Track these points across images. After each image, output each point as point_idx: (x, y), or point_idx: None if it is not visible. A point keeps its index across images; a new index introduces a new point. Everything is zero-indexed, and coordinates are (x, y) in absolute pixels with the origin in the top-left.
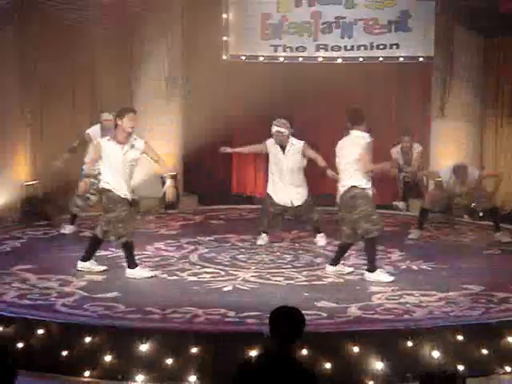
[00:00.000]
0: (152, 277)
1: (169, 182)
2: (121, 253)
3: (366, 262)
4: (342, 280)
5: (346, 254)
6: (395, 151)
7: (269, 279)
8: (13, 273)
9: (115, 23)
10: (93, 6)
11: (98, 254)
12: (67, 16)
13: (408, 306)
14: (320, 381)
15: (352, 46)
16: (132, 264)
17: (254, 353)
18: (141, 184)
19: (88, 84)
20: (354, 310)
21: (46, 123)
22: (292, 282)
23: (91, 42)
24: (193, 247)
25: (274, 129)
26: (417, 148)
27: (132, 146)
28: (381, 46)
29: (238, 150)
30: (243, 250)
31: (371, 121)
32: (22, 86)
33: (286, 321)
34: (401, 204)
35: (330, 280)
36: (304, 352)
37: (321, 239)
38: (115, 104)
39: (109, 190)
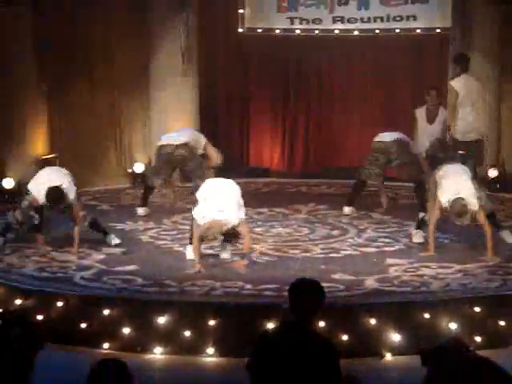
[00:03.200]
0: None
1: None
2: (138, 226)
3: (382, 234)
4: (358, 252)
5: (363, 227)
6: (419, 111)
7: (286, 252)
8: (32, 246)
9: None
10: None
11: (116, 228)
12: None
13: (425, 278)
14: (338, 352)
15: (368, 18)
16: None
17: (271, 325)
18: None
19: (104, 58)
20: (370, 282)
21: (62, 98)
22: (309, 254)
23: (107, 16)
24: None
25: None
26: (442, 113)
27: None
28: (397, 18)
29: None
30: (260, 222)
31: (388, 94)
32: (39, 61)
33: (307, 293)
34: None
35: (346, 252)
36: (321, 324)
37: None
38: (131, 78)
39: None
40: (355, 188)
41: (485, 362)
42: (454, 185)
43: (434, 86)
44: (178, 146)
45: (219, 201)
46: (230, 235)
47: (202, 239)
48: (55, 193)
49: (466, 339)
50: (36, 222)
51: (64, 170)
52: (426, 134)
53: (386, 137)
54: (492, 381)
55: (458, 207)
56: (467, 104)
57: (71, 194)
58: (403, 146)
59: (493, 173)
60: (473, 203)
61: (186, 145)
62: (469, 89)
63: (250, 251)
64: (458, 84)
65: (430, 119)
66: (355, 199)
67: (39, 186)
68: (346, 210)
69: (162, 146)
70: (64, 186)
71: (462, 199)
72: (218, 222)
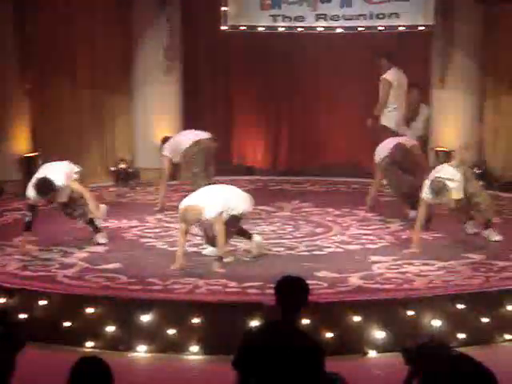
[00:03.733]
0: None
1: None
2: (122, 224)
3: (366, 232)
4: (342, 250)
5: (346, 224)
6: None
7: (269, 250)
8: (14, 244)
9: None
10: None
11: (100, 226)
12: None
13: (408, 275)
14: (323, 350)
15: (351, 16)
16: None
17: (255, 323)
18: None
19: (88, 56)
20: (354, 280)
21: (46, 95)
22: (292, 252)
23: (90, 14)
24: None
25: None
26: (424, 110)
27: None
28: (380, 16)
29: None
30: (243, 220)
31: (371, 90)
32: (22, 58)
33: (292, 290)
34: None
35: (330, 250)
36: (305, 321)
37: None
38: (114, 76)
39: None
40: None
41: (465, 360)
42: (435, 172)
43: (416, 84)
44: (212, 140)
45: (205, 192)
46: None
47: (186, 232)
48: (41, 183)
49: (449, 336)
50: (27, 219)
51: (59, 163)
52: (408, 131)
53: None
54: (473, 378)
55: (436, 184)
56: (401, 95)
57: (60, 181)
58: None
59: (476, 171)
60: (451, 185)
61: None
62: (400, 81)
63: (224, 253)
64: (392, 77)
65: (412, 117)
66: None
67: (30, 183)
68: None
69: (197, 142)
70: (50, 177)
71: (440, 178)
72: (193, 207)
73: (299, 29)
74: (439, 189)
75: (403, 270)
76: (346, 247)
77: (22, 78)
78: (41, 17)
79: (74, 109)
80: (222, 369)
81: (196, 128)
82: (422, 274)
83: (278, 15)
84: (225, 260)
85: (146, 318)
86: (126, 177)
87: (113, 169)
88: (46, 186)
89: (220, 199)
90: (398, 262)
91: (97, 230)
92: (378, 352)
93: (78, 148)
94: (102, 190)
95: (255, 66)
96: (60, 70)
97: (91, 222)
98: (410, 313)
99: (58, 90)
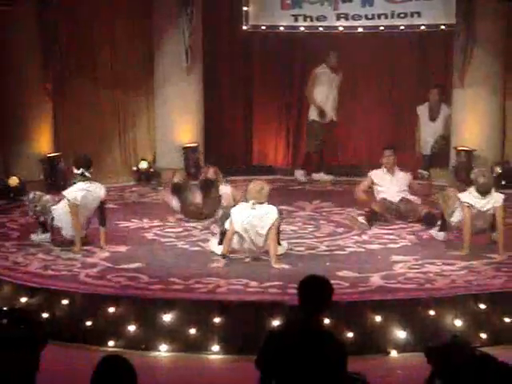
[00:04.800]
0: None
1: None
2: (143, 224)
3: (387, 232)
4: (363, 250)
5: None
6: (421, 108)
7: (291, 249)
8: (37, 244)
9: None
10: None
11: (121, 226)
12: None
13: (430, 275)
14: (346, 350)
15: (373, 15)
16: None
17: (276, 322)
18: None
19: (109, 56)
20: (375, 280)
21: (67, 96)
22: (314, 251)
23: (112, 14)
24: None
25: None
26: (444, 110)
27: None
28: (402, 15)
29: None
30: None
31: (393, 90)
32: (44, 58)
33: (316, 289)
34: (425, 173)
35: (351, 250)
36: (326, 321)
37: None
38: (135, 76)
39: None
40: None
41: (489, 360)
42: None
43: (437, 84)
44: None
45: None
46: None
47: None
48: None
49: (471, 336)
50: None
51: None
52: (428, 131)
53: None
54: (497, 378)
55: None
56: (333, 88)
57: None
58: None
59: (497, 170)
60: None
61: None
62: (330, 77)
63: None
64: (323, 70)
65: (433, 116)
66: None
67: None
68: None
69: None
70: None
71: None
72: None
73: (320, 28)
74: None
75: (425, 269)
76: (367, 247)
77: (45, 79)
78: (63, 18)
79: (96, 109)
80: (243, 368)
81: (216, 128)
82: (444, 273)
83: (299, 15)
84: (276, 266)
85: (167, 318)
86: (148, 177)
87: (134, 168)
88: None
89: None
90: (420, 262)
91: (44, 229)
92: (400, 352)
93: (99, 148)
94: (123, 190)
95: (276, 65)
96: (82, 70)
97: (43, 224)
98: (432, 313)
99: (79, 91)
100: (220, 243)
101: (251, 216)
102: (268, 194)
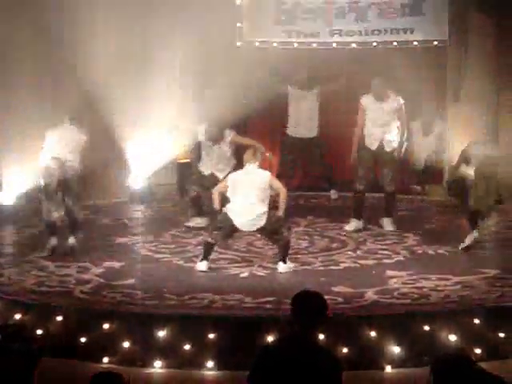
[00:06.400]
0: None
1: None
2: (137, 240)
3: (381, 247)
4: (357, 265)
5: (362, 239)
6: (415, 124)
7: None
8: (31, 260)
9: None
10: None
11: (115, 242)
12: None
13: (424, 290)
14: (342, 365)
15: (366, 31)
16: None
17: (271, 338)
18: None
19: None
20: (370, 295)
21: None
22: (308, 267)
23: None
24: None
25: None
26: (438, 125)
27: None
28: (395, 31)
29: None
30: (259, 235)
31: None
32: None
33: (309, 304)
34: (418, 188)
35: (346, 265)
36: (321, 336)
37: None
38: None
39: None
40: None
41: (488, 375)
42: None
43: (430, 100)
44: None
45: None
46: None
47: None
48: None
49: (465, 351)
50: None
51: None
52: (421, 146)
53: None
54: None
55: None
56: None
57: None
58: None
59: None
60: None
61: None
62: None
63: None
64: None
65: (426, 132)
66: None
67: None
68: None
69: None
70: None
71: None
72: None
73: (314, 44)
74: None
75: (419, 284)
76: (361, 262)
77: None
78: (57, 38)
79: (90, 126)
80: None
81: None
82: (438, 288)
83: (293, 31)
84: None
85: (161, 334)
86: (142, 193)
87: (128, 185)
88: None
89: None
90: (414, 277)
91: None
92: (394, 367)
93: (94, 164)
94: (117, 206)
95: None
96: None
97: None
98: (426, 328)
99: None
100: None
101: (244, 174)
102: (262, 157)
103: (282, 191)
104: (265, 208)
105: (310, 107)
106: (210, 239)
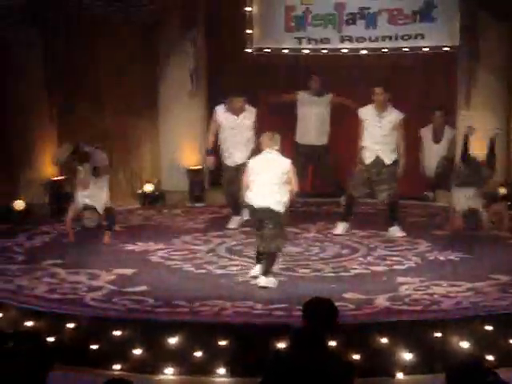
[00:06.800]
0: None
1: None
2: (148, 247)
3: (392, 253)
4: (368, 271)
5: (373, 246)
6: (425, 130)
7: (296, 271)
8: (42, 268)
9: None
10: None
11: (126, 249)
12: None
13: (436, 296)
14: (355, 371)
15: (376, 37)
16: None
17: (282, 345)
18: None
19: (113, 81)
20: (381, 301)
21: (71, 121)
22: (319, 273)
23: (117, 40)
24: (220, 240)
25: None
26: (448, 132)
27: None
28: (405, 37)
29: None
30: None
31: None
32: (49, 85)
33: (320, 311)
34: (431, 194)
35: (356, 271)
36: (332, 343)
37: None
38: (139, 100)
39: None
40: None
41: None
42: None
43: (441, 106)
44: None
45: None
46: None
47: None
48: None
49: (477, 358)
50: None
51: None
52: (432, 153)
53: None
54: None
55: None
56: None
57: None
58: None
59: (503, 191)
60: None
61: None
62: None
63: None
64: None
65: (436, 139)
66: None
67: None
68: None
69: None
70: None
71: None
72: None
73: (324, 51)
74: None
75: (430, 291)
76: (372, 268)
77: (49, 104)
78: (65, 43)
79: (100, 134)
80: None
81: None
82: (450, 295)
83: (303, 37)
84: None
85: (172, 341)
86: (153, 200)
87: (139, 192)
88: None
89: None
90: (426, 283)
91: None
92: (406, 374)
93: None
94: (128, 213)
95: (281, 87)
96: (85, 95)
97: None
98: (438, 334)
99: (83, 116)
100: None
101: (264, 160)
102: (279, 141)
103: (293, 187)
104: (284, 197)
105: (321, 113)
106: None
